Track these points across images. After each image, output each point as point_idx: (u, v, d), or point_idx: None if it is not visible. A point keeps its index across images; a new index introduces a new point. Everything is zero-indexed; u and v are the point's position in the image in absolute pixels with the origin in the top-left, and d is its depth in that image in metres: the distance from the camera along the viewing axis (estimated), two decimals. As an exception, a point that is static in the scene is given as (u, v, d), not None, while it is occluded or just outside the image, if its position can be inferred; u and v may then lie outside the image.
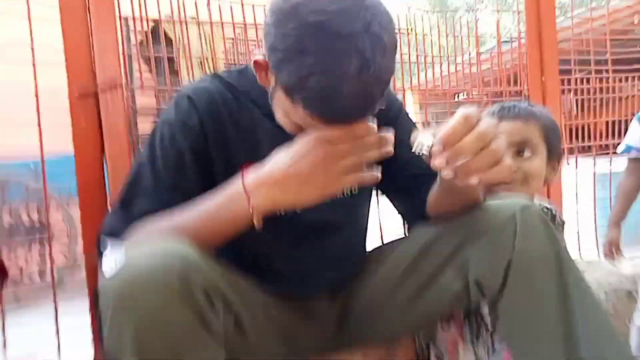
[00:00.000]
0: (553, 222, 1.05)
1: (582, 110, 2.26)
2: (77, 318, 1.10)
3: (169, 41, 2.06)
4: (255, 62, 0.71)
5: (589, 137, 2.27)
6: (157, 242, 0.62)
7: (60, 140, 1.12)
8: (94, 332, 1.07)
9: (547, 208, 1.08)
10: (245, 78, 0.84)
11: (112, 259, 0.59)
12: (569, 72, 2.12)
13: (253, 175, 0.70)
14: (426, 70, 2.49)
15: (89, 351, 1.07)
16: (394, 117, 0.89)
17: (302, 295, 0.88)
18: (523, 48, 1.81)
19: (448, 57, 2.37)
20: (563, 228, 1.09)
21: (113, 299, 0.57)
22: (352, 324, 0.90)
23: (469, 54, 2.41)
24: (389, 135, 0.67)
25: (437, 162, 0.62)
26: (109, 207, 1.07)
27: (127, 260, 0.58)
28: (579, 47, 2.30)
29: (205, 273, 0.62)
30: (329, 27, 0.58)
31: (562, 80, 1.96)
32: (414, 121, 0.97)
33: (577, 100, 2.28)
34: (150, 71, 2.11)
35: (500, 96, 1.92)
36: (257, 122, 0.82)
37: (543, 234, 0.74)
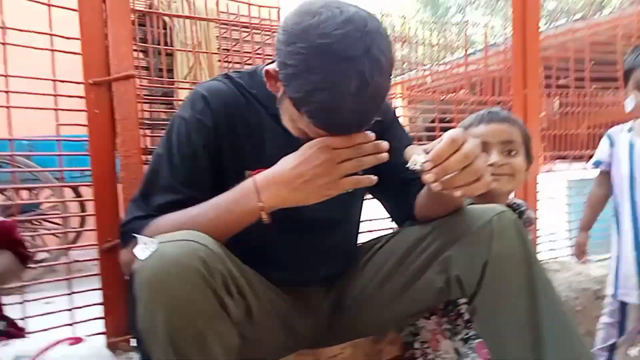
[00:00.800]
0: (522, 217, 1.18)
1: (562, 118, 2.40)
2: (73, 296, 1.16)
3: (162, 25, 2.10)
4: (267, 72, 0.79)
5: (565, 147, 2.42)
6: (182, 233, 0.70)
7: (52, 123, 1.18)
8: (106, 307, 1.14)
9: (518, 204, 1.21)
10: (254, 80, 0.91)
11: (143, 247, 0.67)
12: (550, 77, 2.23)
13: (263, 175, 0.78)
14: (416, 69, 2.57)
15: (97, 326, 1.14)
16: (388, 124, 0.98)
17: (300, 285, 0.97)
18: (508, 58, 1.92)
19: (437, 57, 2.44)
20: (532, 224, 1.23)
21: (147, 283, 0.65)
22: (344, 314, 0.99)
23: (458, 55, 2.50)
24: (385, 143, 0.76)
25: (427, 177, 0.73)
26: (119, 191, 1.13)
27: (157, 249, 0.66)
28: (562, 55, 2.40)
29: (223, 262, 0.71)
30: (333, 49, 0.66)
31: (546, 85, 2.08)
32: (405, 128, 1.07)
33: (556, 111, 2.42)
34: (144, 53, 2.14)
35: (485, 104, 2.03)
36: (264, 122, 0.90)
37: (516, 238, 0.84)
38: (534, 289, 0.82)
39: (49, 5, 1.13)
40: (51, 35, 1.14)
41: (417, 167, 0.74)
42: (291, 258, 0.94)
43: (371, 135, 0.75)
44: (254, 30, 1.78)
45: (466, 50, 2.32)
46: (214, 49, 2.59)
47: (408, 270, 0.91)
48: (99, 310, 1.14)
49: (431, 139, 1.95)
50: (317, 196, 0.77)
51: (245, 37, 1.80)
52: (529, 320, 0.81)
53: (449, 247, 0.87)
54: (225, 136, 0.87)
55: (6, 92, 1.11)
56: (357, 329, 1.00)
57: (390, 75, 0.73)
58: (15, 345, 0.77)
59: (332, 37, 0.66)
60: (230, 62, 2.29)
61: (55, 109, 1.16)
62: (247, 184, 0.79)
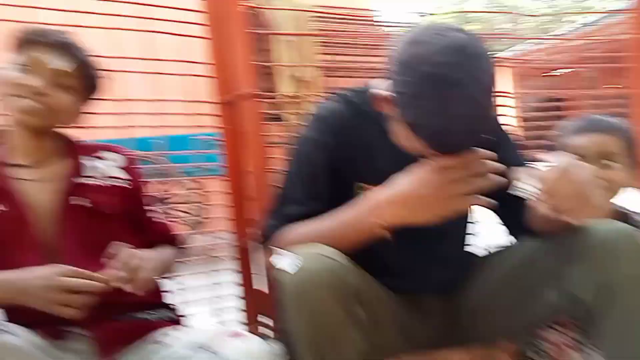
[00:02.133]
0: (632, 221, 1.13)
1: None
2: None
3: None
4: (378, 97, 0.86)
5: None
6: (319, 250, 0.81)
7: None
8: (246, 298, 1.32)
9: (626, 210, 1.16)
10: (365, 99, 0.99)
11: (290, 262, 0.80)
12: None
13: (382, 195, 0.86)
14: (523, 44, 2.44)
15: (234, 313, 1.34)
16: (498, 142, 0.98)
17: (415, 292, 1.04)
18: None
19: (547, 29, 2.28)
20: None
21: (294, 295, 0.78)
22: (458, 322, 1.05)
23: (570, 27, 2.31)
24: (499, 165, 0.79)
25: (540, 208, 0.76)
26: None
27: (301, 264, 0.79)
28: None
29: (354, 275, 0.82)
30: (441, 77, 0.72)
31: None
32: (515, 138, 1.07)
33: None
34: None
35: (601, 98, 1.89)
36: (376, 138, 0.98)
37: (636, 256, 0.83)
38: None
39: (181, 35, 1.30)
40: (189, 62, 1.31)
41: (527, 197, 0.77)
42: (406, 266, 1.02)
43: (484, 152, 0.79)
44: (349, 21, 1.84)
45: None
46: (310, 41, 2.73)
47: (523, 285, 0.94)
48: (234, 299, 1.33)
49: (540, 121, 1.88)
50: (433, 217, 0.83)
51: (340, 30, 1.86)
52: None
53: (567, 265, 0.88)
54: (342, 152, 0.97)
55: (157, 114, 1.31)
56: (470, 336, 1.05)
57: (493, 92, 0.77)
58: (187, 333, 0.94)
59: (439, 66, 0.72)
60: (326, 53, 2.39)
61: (194, 126, 1.35)
62: (368, 202, 0.87)
